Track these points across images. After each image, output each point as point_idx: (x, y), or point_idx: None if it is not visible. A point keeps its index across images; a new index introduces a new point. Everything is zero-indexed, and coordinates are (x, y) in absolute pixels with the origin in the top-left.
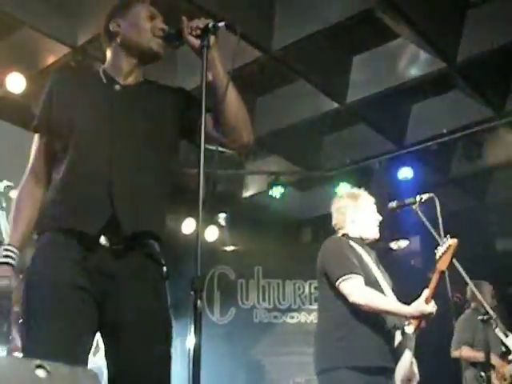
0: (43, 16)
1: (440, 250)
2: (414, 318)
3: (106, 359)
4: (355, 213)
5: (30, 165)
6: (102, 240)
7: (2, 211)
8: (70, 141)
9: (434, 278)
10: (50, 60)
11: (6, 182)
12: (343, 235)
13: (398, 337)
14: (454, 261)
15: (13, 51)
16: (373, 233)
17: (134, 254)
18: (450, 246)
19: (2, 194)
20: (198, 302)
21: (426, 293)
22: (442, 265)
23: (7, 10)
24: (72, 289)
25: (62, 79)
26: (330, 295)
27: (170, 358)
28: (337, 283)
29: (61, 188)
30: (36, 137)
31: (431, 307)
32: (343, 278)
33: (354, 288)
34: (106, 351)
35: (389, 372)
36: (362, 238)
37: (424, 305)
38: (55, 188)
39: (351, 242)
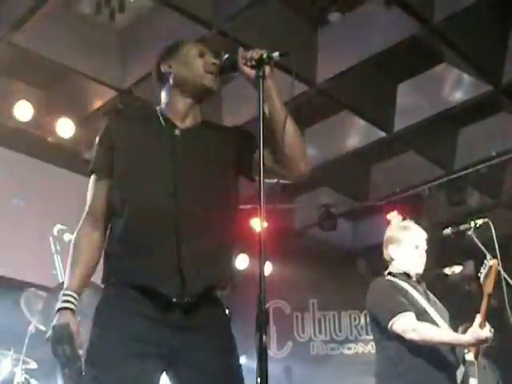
0: (90, 61)
1: (483, 273)
2: (471, 345)
3: None
4: (397, 249)
5: (87, 207)
6: (173, 298)
7: (57, 254)
8: (131, 187)
9: (484, 302)
10: (98, 104)
11: (59, 226)
12: (389, 273)
13: (462, 369)
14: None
15: (62, 97)
16: (414, 269)
17: (203, 307)
18: (491, 267)
19: (56, 237)
20: (264, 336)
21: (479, 318)
22: (488, 288)
23: (54, 57)
24: (140, 343)
25: (121, 120)
26: (383, 337)
27: None
28: (389, 326)
29: (125, 239)
30: (93, 179)
31: (486, 331)
32: (394, 319)
33: (407, 325)
34: None
35: None
36: (406, 273)
37: (479, 330)
38: (119, 237)
39: (396, 280)
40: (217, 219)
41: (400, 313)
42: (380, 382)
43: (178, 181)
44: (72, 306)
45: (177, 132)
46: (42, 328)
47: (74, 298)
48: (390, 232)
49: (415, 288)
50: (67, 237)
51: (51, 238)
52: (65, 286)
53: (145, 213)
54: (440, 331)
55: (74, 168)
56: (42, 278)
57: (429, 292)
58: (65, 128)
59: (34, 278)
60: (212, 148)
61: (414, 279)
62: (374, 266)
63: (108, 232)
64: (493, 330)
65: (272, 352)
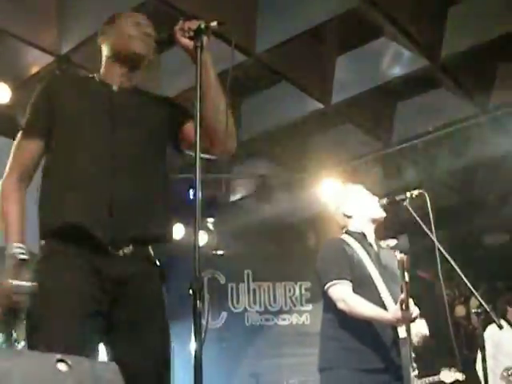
0: (27, 25)
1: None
2: (394, 323)
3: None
4: (348, 207)
5: (14, 163)
6: (110, 247)
7: None
8: (71, 140)
9: (403, 288)
10: (35, 69)
11: None
12: (346, 232)
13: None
14: (450, 259)
15: None
16: (376, 214)
17: (138, 259)
18: (398, 261)
19: None
20: (198, 302)
21: (400, 299)
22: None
23: None
24: (82, 299)
25: (57, 81)
26: (325, 297)
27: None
28: (325, 289)
29: (62, 188)
30: (22, 136)
31: (410, 312)
32: (329, 284)
33: (338, 294)
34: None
35: (391, 371)
36: (363, 233)
37: (398, 310)
38: (53, 188)
39: (349, 240)
40: (150, 177)
41: (335, 279)
42: (321, 341)
43: (115, 134)
44: (25, 257)
45: (115, 88)
46: None
47: (26, 250)
48: (336, 195)
49: (366, 250)
50: None
51: None
52: (13, 240)
53: (83, 160)
54: (367, 306)
55: (9, 134)
56: None
57: (382, 255)
58: (0, 93)
59: None
60: (146, 109)
61: (368, 241)
62: (308, 238)
63: (41, 183)
64: (417, 309)
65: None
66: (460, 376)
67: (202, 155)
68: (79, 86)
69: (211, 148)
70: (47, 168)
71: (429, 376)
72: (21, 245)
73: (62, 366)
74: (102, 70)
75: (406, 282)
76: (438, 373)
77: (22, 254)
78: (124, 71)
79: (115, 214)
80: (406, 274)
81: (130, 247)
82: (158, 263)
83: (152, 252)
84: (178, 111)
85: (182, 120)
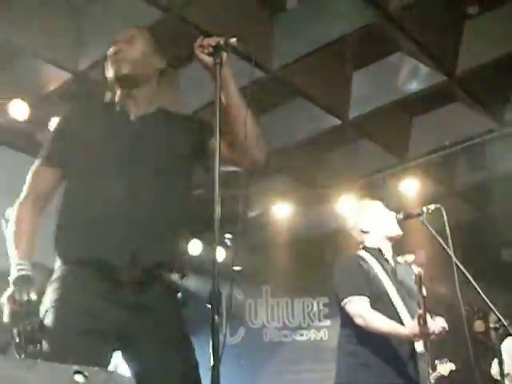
0: (45, 42)
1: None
2: (411, 338)
3: None
4: (365, 223)
5: (29, 190)
6: (126, 274)
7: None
8: (86, 171)
9: (421, 301)
10: (53, 86)
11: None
12: (363, 248)
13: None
14: (468, 275)
15: (15, 78)
16: (392, 231)
17: (153, 286)
18: (415, 276)
19: (8, 221)
20: (216, 317)
21: (417, 313)
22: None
23: (9, 37)
24: (92, 320)
25: (74, 113)
26: (342, 313)
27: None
28: (342, 304)
29: (78, 217)
30: (40, 164)
31: (427, 327)
32: (346, 300)
33: (356, 310)
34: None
35: None
36: (379, 249)
37: (416, 325)
38: (69, 216)
39: (366, 256)
40: (170, 203)
41: (353, 295)
42: (338, 357)
43: (133, 163)
44: (28, 273)
45: (132, 118)
46: None
47: (27, 266)
48: (354, 211)
49: (383, 266)
50: None
51: (2, 221)
52: (15, 258)
53: (102, 193)
54: (384, 321)
55: (27, 150)
56: None
57: (398, 270)
58: (18, 110)
59: None
60: (168, 133)
61: (385, 256)
62: (327, 253)
63: (58, 213)
64: (443, 324)
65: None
66: (453, 366)
67: (233, 168)
68: (96, 119)
69: (241, 160)
70: (65, 197)
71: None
72: (22, 261)
73: (78, 378)
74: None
75: (424, 297)
76: (435, 368)
77: (22, 270)
78: (125, 92)
79: (137, 249)
80: (423, 288)
81: (149, 274)
82: (178, 290)
83: (173, 278)
84: (203, 128)
85: (209, 136)
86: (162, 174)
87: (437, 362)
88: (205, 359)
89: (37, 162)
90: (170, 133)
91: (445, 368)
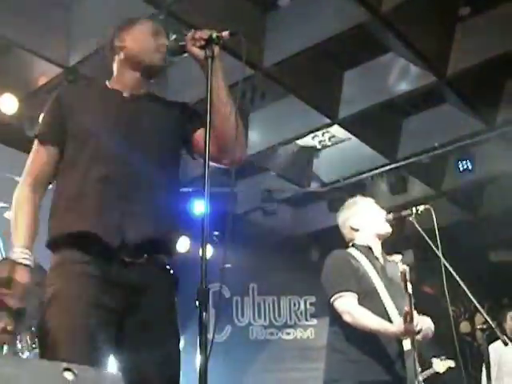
0: (35, 37)
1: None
2: (398, 336)
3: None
4: (355, 221)
5: (28, 171)
6: (122, 255)
7: None
8: (83, 150)
9: (407, 299)
10: (43, 81)
11: (0, 204)
12: (352, 245)
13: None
14: (456, 275)
15: (5, 73)
16: (381, 229)
17: (151, 268)
18: (401, 273)
19: None
20: (204, 314)
21: (405, 311)
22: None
23: None
24: (94, 308)
25: (68, 91)
26: (331, 310)
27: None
28: (331, 301)
29: (73, 198)
30: (37, 144)
31: (413, 326)
32: (335, 296)
33: (344, 307)
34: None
35: (396, 383)
36: (369, 247)
37: (402, 324)
38: (64, 198)
39: (355, 253)
40: (163, 185)
41: (341, 291)
42: (326, 354)
43: (128, 142)
44: (27, 262)
45: (125, 95)
46: None
47: (27, 254)
48: (344, 210)
49: (372, 263)
50: (8, 215)
51: None
52: (18, 245)
53: (95, 170)
54: (372, 319)
55: (16, 145)
56: None
57: (388, 268)
58: (8, 104)
59: None
60: (158, 115)
61: (374, 254)
62: (313, 252)
63: (53, 194)
64: (428, 322)
65: (210, 335)
66: (452, 363)
67: (212, 163)
68: (90, 95)
69: (220, 157)
70: (59, 179)
71: (423, 371)
72: (26, 250)
73: (68, 375)
74: (115, 73)
75: (409, 294)
76: (430, 365)
77: (25, 259)
78: (136, 77)
79: (127, 221)
80: (408, 285)
81: (144, 256)
82: (172, 272)
83: (166, 261)
84: (191, 116)
85: (195, 125)
86: (154, 154)
87: (434, 359)
88: (191, 357)
89: (35, 142)
90: (162, 111)
91: (443, 365)
